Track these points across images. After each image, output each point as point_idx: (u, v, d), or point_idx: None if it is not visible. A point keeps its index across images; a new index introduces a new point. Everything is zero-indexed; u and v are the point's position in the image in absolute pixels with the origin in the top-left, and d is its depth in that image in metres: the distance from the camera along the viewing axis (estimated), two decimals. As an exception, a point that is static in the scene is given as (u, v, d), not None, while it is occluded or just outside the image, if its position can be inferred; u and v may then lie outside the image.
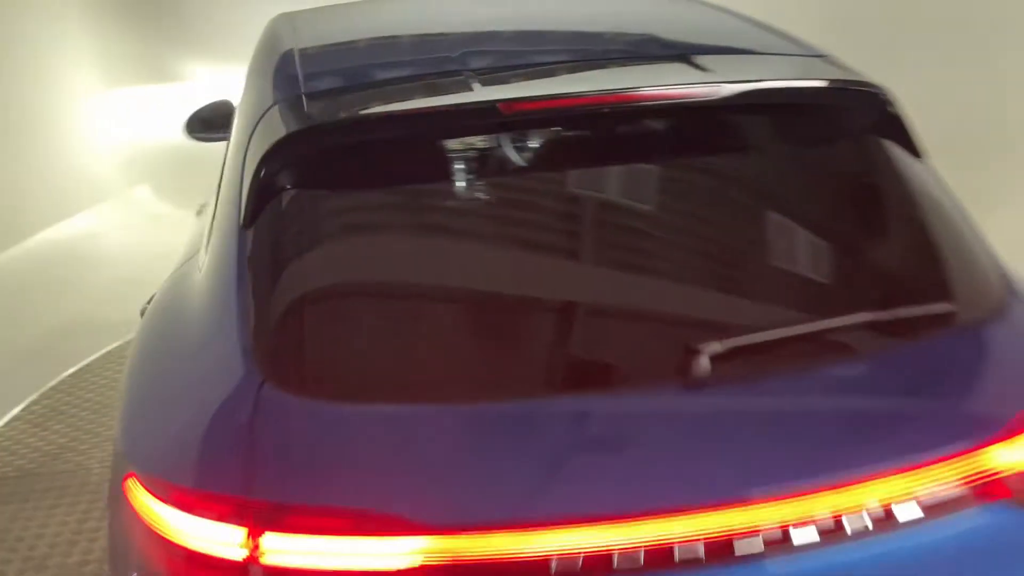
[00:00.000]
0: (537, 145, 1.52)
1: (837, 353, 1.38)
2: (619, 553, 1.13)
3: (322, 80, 1.82)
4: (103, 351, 3.86)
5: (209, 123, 3.09)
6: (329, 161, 1.52)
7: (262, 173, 1.50)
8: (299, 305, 1.44)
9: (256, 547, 1.18)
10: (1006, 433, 1.27)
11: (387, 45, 2.22)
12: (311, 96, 1.67)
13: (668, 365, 1.29)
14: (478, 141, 1.51)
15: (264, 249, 1.49)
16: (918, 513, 1.21)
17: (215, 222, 1.68)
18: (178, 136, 3.41)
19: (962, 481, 1.24)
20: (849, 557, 1.19)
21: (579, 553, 1.13)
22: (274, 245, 1.50)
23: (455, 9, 2.45)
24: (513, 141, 1.50)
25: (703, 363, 1.24)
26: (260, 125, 1.64)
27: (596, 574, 1.13)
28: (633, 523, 1.13)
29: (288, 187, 1.50)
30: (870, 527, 1.19)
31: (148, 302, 1.96)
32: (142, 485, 1.32)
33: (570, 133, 1.54)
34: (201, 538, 1.22)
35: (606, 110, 1.48)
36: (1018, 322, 1.46)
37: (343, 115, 1.61)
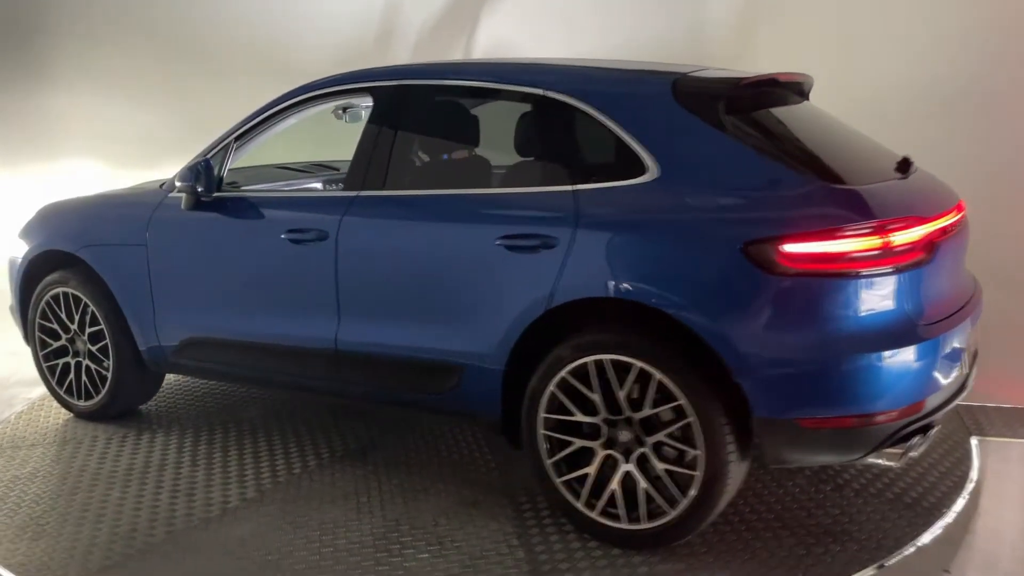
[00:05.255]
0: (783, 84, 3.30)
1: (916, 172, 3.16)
2: (929, 235, 2.78)
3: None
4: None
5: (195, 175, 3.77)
6: (745, 93, 3.09)
7: (728, 95, 2.99)
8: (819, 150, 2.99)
9: (887, 242, 2.63)
10: (958, 205, 3.13)
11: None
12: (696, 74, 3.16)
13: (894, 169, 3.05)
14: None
15: (741, 133, 2.91)
16: (961, 225, 3.09)
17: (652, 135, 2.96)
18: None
19: (959, 215, 3.08)
20: (955, 239, 3.01)
21: (928, 232, 2.79)
22: (741, 130, 2.93)
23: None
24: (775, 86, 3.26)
25: (904, 167, 3.09)
26: (688, 77, 3.07)
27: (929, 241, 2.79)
28: (932, 221, 2.83)
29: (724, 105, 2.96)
30: (957, 227, 3.02)
31: None
32: (799, 241, 2.62)
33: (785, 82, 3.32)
34: (861, 246, 2.63)
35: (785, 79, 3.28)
36: (921, 170, 3.21)
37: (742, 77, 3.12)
